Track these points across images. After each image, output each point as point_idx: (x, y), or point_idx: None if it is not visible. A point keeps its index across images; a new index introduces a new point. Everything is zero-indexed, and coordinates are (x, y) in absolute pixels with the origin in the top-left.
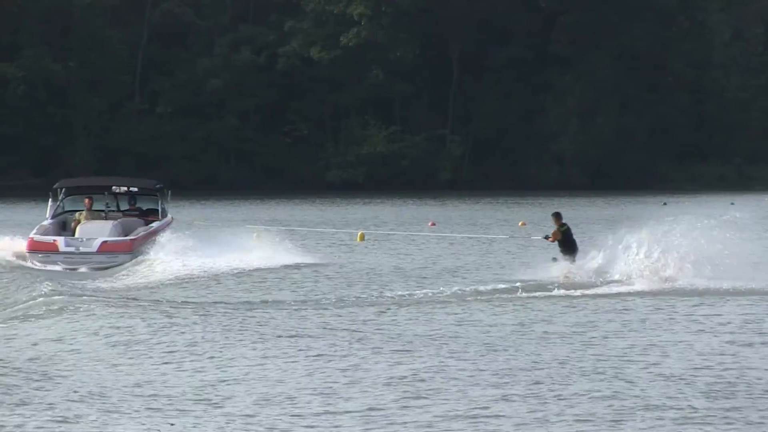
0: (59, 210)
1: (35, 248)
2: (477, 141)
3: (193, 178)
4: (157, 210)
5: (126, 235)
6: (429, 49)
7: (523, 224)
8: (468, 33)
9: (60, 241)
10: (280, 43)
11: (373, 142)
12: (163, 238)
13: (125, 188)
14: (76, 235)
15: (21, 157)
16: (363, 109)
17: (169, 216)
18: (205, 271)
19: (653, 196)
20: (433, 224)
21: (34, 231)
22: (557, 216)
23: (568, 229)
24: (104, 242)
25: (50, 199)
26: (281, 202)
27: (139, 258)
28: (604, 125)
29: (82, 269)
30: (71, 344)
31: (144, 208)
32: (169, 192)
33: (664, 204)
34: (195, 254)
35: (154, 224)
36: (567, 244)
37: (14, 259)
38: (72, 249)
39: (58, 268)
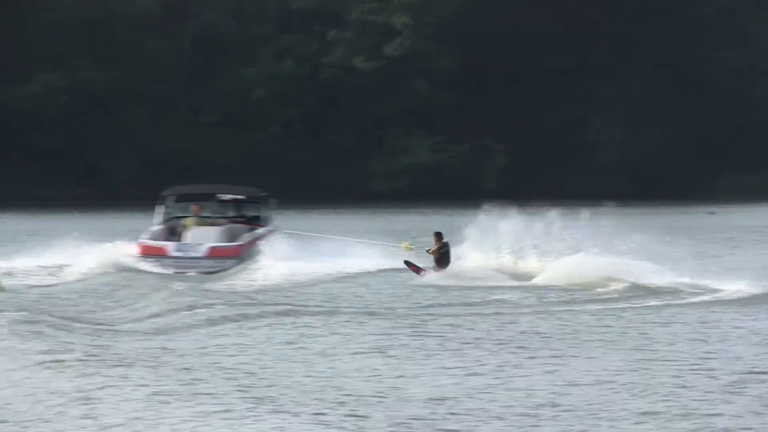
0: (168, 216)
1: (146, 252)
2: (520, 151)
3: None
4: (262, 217)
5: (232, 241)
6: (472, 59)
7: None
8: (511, 43)
9: (169, 246)
10: (323, 53)
11: (417, 152)
12: (268, 244)
13: (231, 196)
14: (185, 241)
15: (66, 168)
16: (406, 119)
17: (274, 223)
18: (319, 275)
19: (699, 206)
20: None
21: (145, 236)
22: (439, 235)
23: (448, 250)
24: (212, 247)
25: (159, 206)
26: (340, 212)
27: (246, 263)
28: (648, 135)
29: (191, 273)
30: (274, 351)
31: (249, 215)
32: (274, 200)
33: (711, 213)
34: (300, 260)
35: (259, 230)
36: (442, 261)
37: (125, 263)
38: (181, 254)
39: (168, 271)
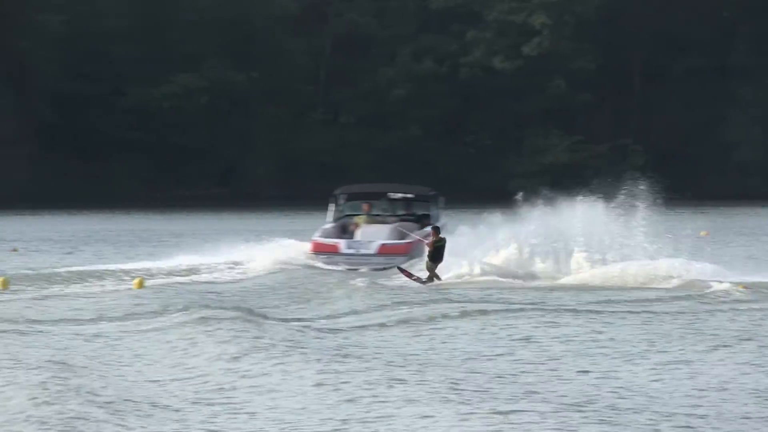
0: (340, 214)
1: (319, 250)
2: (658, 151)
3: None
4: (430, 215)
5: (402, 239)
6: (610, 58)
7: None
8: (649, 42)
9: (341, 243)
10: (462, 53)
11: (556, 152)
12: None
13: (401, 194)
14: (356, 238)
15: (204, 167)
16: (544, 119)
17: (442, 221)
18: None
19: None
20: (707, 233)
21: (317, 233)
22: (436, 230)
23: (443, 245)
24: (383, 245)
25: (331, 204)
26: (479, 212)
27: (414, 260)
28: None
29: (362, 270)
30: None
31: (418, 214)
32: (442, 199)
33: None
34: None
35: (428, 228)
36: (436, 255)
37: (299, 260)
38: (353, 251)
39: (339, 268)
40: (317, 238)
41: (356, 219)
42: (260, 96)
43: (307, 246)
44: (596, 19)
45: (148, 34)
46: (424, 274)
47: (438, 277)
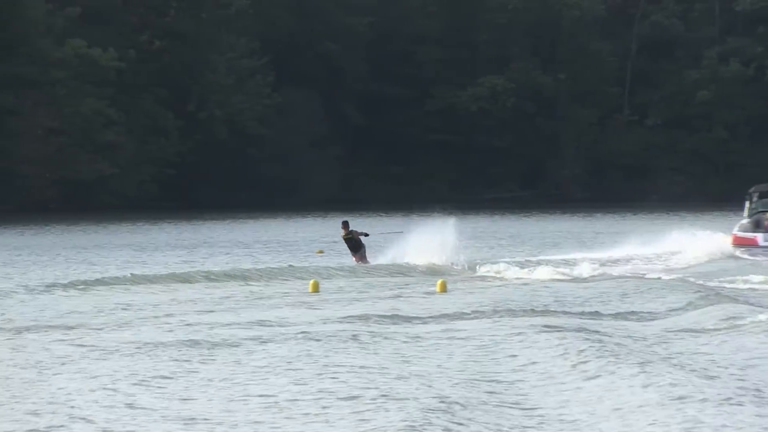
0: (753, 210)
1: (738, 243)
2: None
3: (679, 190)
4: None
5: None
6: None
7: None
8: None
9: (759, 237)
10: None
11: None
12: None
13: None
14: None
15: (509, 169)
16: None
17: None
18: None
19: None
20: None
21: (736, 228)
22: (345, 224)
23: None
24: None
25: (746, 201)
26: None
27: None
28: None
29: None
30: None
31: None
32: None
33: None
34: None
35: None
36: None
37: (725, 251)
38: None
39: (757, 259)
40: (737, 232)
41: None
42: (566, 97)
43: (728, 239)
44: None
45: (455, 36)
46: None
47: None
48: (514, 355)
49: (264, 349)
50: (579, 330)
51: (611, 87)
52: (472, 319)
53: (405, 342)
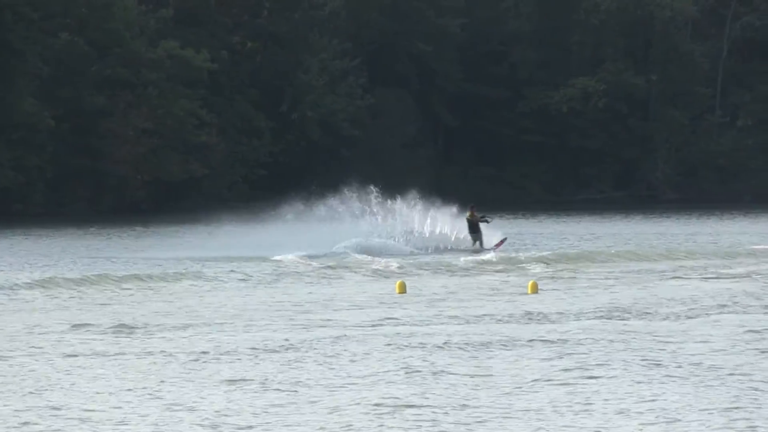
0: None
1: None
2: None
3: None
4: None
5: None
6: None
7: None
8: None
9: None
10: None
11: None
12: None
13: None
14: None
15: (602, 170)
16: None
17: None
18: None
19: None
20: None
21: None
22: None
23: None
24: None
25: None
26: None
27: None
28: None
29: None
30: None
31: None
32: None
33: None
34: None
35: None
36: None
37: None
38: None
39: None
40: None
41: None
42: (659, 98)
43: None
44: None
45: (547, 37)
46: None
47: None
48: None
49: None
50: None
51: (703, 88)
52: None
53: None
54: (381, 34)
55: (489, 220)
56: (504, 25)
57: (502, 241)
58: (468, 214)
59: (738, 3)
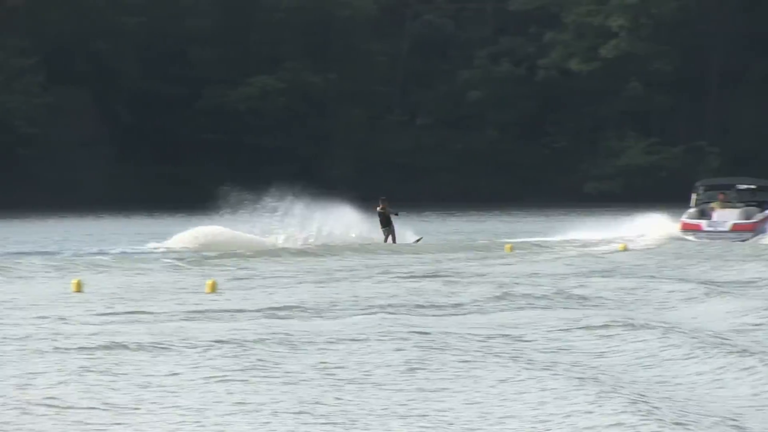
0: (700, 201)
1: (686, 228)
2: (735, 153)
3: (452, 190)
4: None
5: (749, 219)
6: (687, 60)
7: None
8: (728, 45)
9: (703, 223)
10: (540, 55)
11: (631, 154)
12: None
13: (746, 186)
14: (714, 219)
15: (280, 169)
16: (620, 121)
17: None
18: None
19: None
20: None
21: (684, 216)
22: (384, 200)
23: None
24: (734, 224)
25: (693, 194)
26: (553, 214)
27: (759, 236)
28: None
29: (717, 243)
30: None
31: (760, 200)
32: None
33: None
34: None
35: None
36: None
37: (673, 235)
38: (711, 229)
39: (701, 241)
40: (685, 219)
41: (712, 204)
42: (337, 97)
43: (677, 225)
44: (673, 20)
45: (226, 36)
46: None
47: None
48: None
49: None
50: None
51: (382, 87)
52: None
53: None
54: (60, 32)
55: (398, 213)
56: (181, 23)
57: (417, 241)
58: (379, 207)
59: (418, 1)
